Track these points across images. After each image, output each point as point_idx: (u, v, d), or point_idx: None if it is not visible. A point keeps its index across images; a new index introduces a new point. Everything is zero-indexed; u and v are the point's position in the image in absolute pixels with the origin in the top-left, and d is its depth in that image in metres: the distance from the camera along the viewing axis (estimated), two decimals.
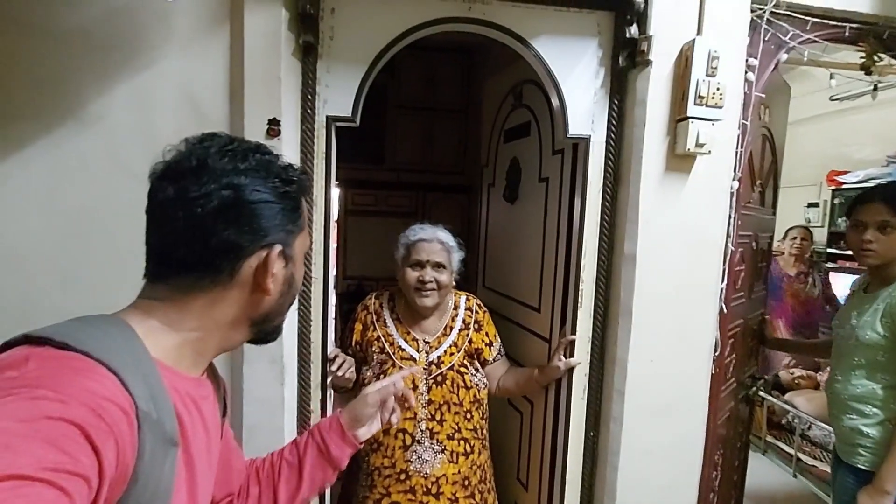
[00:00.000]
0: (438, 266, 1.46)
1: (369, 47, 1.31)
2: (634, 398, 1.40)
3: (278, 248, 0.58)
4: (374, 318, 1.53)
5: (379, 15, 1.30)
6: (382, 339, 1.49)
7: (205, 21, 1.27)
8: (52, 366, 0.43)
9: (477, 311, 1.60)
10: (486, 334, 1.57)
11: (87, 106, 1.27)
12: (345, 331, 1.57)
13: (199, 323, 0.57)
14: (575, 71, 1.36)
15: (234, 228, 0.56)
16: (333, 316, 1.46)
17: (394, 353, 1.47)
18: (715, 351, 1.48)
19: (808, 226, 3.53)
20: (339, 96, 1.32)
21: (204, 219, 0.54)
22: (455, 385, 1.45)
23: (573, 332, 1.46)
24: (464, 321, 1.55)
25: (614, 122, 1.38)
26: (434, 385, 1.44)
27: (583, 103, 1.37)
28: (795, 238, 3.28)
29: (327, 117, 1.31)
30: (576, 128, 1.38)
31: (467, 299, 1.61)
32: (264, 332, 0.63)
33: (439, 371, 1.46)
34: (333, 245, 1.42)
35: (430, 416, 1.42)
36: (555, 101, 1.38)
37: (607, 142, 1.39)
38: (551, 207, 1.62)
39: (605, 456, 1.45)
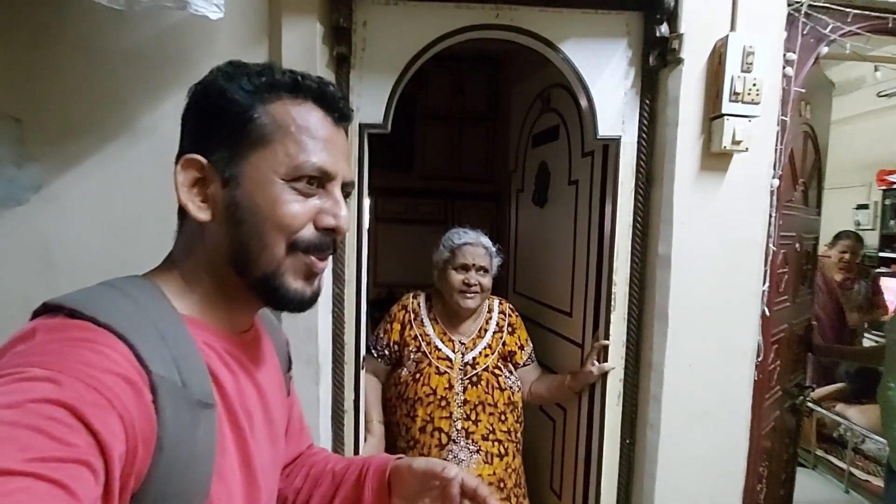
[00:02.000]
0: (482, 270, 1.51)
1: (400, 57, 1.35)
2: (672, 404, 1.36)
3: (188, 157, 0.50)
4: (413, 316, 1.56)
5: (408, 25, 1.34)
6: (420, 338, 1.52)
7: (246, 38, 1.34)
8: (55, 338, 0.41)
9: (510, 315, 1.62)
10: (519, 338, 1.59)
11: (139, 120, 1.35)
12: (378, 332, 1.60)
13: (197, 269, 0.53)
14: (604, 72, 1.35)
15: (181, 144, 0.53)
16: (365, 320, 1.49)
17: (430, 353, 1.50)
18: (758, 356, 1.42)
19: (857, 233, 3.35)
20: (371, 105, 1.35)
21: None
22: (490, 386, 1.47)
23: (606, 336, 1.43)
24: (497, 324, 1.58)
25: (646, 121, 1.37)
26: (469, 385, 1.47)
27: (613, 104, 1.37)
28: (844, 252, 3.10)
29: (360, 125, 1.35)
30: (606, 129, 1.37)
31: (500, 303, 1.65)
32: (257, 282, 0.52)
33: (474, 371, 1.48)
34: (366, 248, 1.45)
35: (465, 416, 1.44)
36: (583, 103, 1.38)
37: (639, 142, 1.38)
38: (581, 210, 1.61)
39: (642, 464, 1.41)
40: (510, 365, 1.55)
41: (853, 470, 2.50)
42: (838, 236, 3.19)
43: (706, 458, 1.39)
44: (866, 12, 1.35)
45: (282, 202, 0.50)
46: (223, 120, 0.50)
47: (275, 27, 1.31)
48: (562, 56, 1.35)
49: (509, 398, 1.49)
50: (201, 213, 0.50)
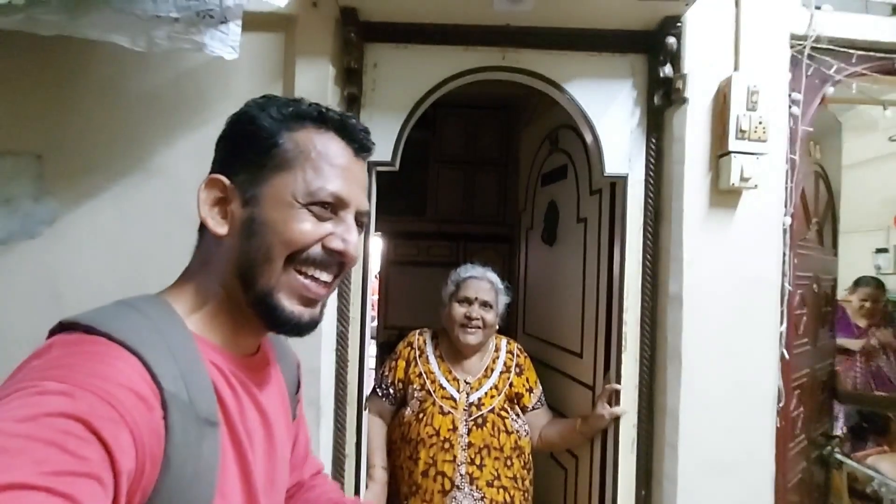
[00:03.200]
0: (485, 305, 1.48)
1: (408, 97, 1.38)
2: (689, 453, 1.28)
3: (214, 177, 0.54)
4: (418, 353, 1.53)
5: (417, 67, 1.38)
6: (424, 375, 1.48)
7: (260, 80, 1.39)
8: (70, 352, 0.42)
9: (518, 355, 1.57)
10: (527, 380, 1.53)
11: (153, 159, 1.38)
12: (383, 370, 1.56)
13: (210, 283, 0.55)
14: (609, 111, 1.37)
15: (211, 168, 0.57)
16: (373, 363, 1.46)
17: (434, 392, 1.45)
18: (779, 402, 1.35)
19: (878, 279, 3.24)
20: (381, 143, 1.36)
21: None
22: (496, 429, 1.41)
23: (618, 377, 1.38)
24: (505, 364, 1.53)
25: (652, 159, 1.37)
26: (475, 427, 1.40)
27: (619, 142, 1.37)
28: (865, 300, 3.00)
29: (369, 163, 1.36)
30: (613, 166, 1.37)
31: (508, 342, 1.60)
32: (256, 299, 0.53)
33: (479, 413, 1.42)
34: (373, 286, 1.44)
35: (469, 460, 1.37)
36: (589, 140, 1.39)
37: (646, 180, 1.37)
38: (591, 248, 1.59)
39: None
40: (517, 408, 1.49)
41: None
42: (858, 282, 3.10)
43: None
44: (870, 53, 1.37)
45: (295, 220, 0.52)
46: (251, 144, 0.54)
47: (288, 69, 1.36)
48: (567, 96, 1.38)
49: (516, 442, 1.41)
50: (219, 227, 0.53)
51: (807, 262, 1.51)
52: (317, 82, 1.34)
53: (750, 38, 1.28)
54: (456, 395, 1.45)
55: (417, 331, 1.60)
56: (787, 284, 1.36)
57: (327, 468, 1.32)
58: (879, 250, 3.83)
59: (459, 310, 1.48)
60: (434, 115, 3.00)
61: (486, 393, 1.46)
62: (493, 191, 3.12)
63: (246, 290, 0.53)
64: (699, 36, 1.30)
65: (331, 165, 0.54)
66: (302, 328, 0.55)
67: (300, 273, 0.54)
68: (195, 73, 1.39)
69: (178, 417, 0.44)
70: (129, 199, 1.38)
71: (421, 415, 1.43)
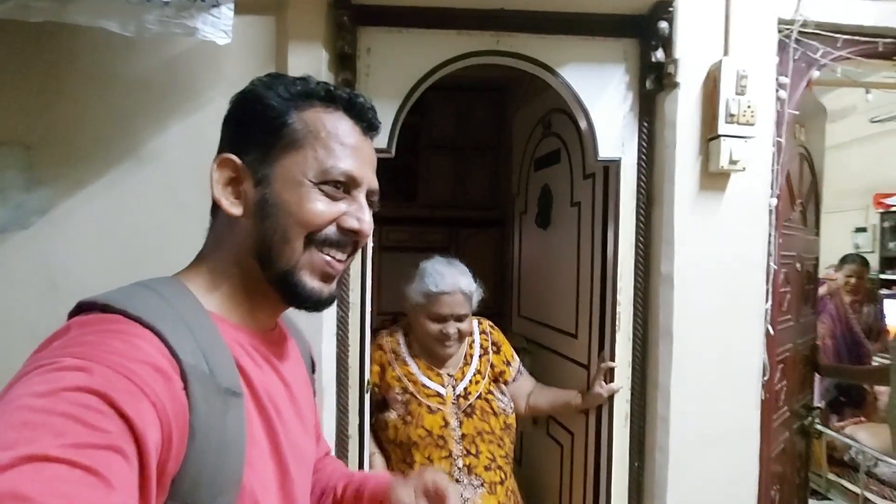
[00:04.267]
0: (461, 318, 1.41)
1: (403, 82, 1.38)
2: (680, 425, 1.34)
3: (225, 157, 0.54)
4: (393, 357, 1.46)
5: (411, 52, 1.38)
6: (404, 378, 1.43)
7: (252, 65, 1.37)
8: (88, 331, 0.43)
9: (491, 333, 1.57)
10: (504, 354, 1.54)
11: (145, 145, 1.37)
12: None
13: (226, 264, 0.55)
14: (603, 96, 1.39)
15: (220, 146, 0.57)
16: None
17: (418, 392, 1.41)
18: (764, 375, 1.41)
19: (863, 257, 3.35)
20: None
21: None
22: (484, 413, 1.42)
23: (612, 356, 1.42)
24: (481, 346, 1.53)
25: (644, 143, 1.39)
26: (465, 418, 1.41)
27: (612, 127, 1.40)
28: (850, 277, 3.11)
29: None
30: (606, 151, 1.39)
31: (479, 322, 1.57)
32: (277, 277, 0.54)
33: (468, 403, 1.42)
34: (370, 272, 1.45)
35: (465, 452, 1.38)
36: (583, 125, 1.41)
37: (638, 163, 1.40)
38: (584, 231, 1.62)
39: (652, 489, 1.38)
40: (501, 385, 1.50)
41: (868, 495, 2.43)
42: (844, 260, 3.20)
43: (717, 482, 1.36)
44: (855, 37, 1.40)
45: (308, 200, 0.53)
46: (259, 124, 0.54)
47: (281, 54, 1.35)
48: (561, 80, 1.39)
49: (504, 422, 1.43)
50: (234, 208, 0.54)
51: (791, 241, 1.56)
52: (310, 67, 1.33)
53: (739, 23, 1.31)
54: (442, 391, 1.43)
55: (385, 331, 1.52)
56: (772, 264, 1.41)
57: (331, 450, 1.35)
58: (858, 229, 3.96)
59: (434, 327, 1.40)
60: (423, 99, 2.97)
61: (470, 381, 1.45)
62: (485, 175, 3.12)
63: (265, 268, 0.54)
64: (690, 21, 1.32)
65: (341, 145, 0.54)
66: (322, 303, 0.57)
67: (320, 251, 0.55)
68: (186, 58, 1.37)
69: (199, 388, 0.44)
70: (123, 186, 1.37)
71: (409, 417, 1.39)
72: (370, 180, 0.57)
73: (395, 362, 1.46)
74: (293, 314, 0.61)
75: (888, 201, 3.57)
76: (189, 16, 1.15)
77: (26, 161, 1.37)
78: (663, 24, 1.29)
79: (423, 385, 1.43)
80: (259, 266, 0.54)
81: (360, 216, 0.55)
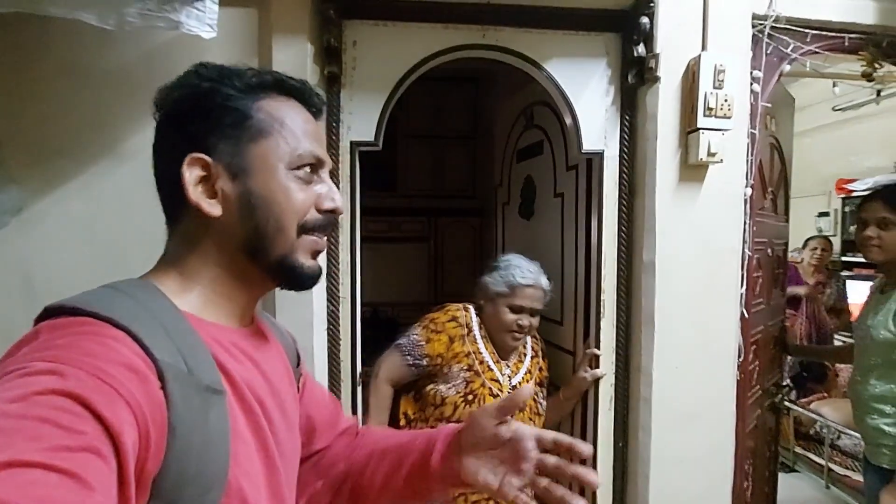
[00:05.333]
0: (535, 313, 1.45)
1: (389, 75, 1.38)
2: (662, 406, 1.40)
3: (195, 155, 0.52)
4: (466, 331, 1.44)
5: (398, 45, 1.38)
6: (473, 355, 1.41)
7: (235, 57, 1.33)
8: (57, 334, 0.42)
9: (539, 339, 1.60)
10: (546, 362, 1.58)
11: (124, 142, 1.33)
12: (415, 337, 1.43)
13: (199, 265, 0.54)
14: (586, 90, 1.42)
15: (166, 147, 0.55)
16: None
17: (483, 372, 1.41)
18: (738, 357, 1.49)
19: (826, 236, 3.54)
20: (362, 122, 1.38)
21: (157, 140, 0.56)
22: (532, 412, 1.45)
23: (597, 342, 1.48)
24: (533, 348, 1.55)
25: (626, 136, 1.43)
26: (517, 410, 1.40)
27: (595, 120, 1.43)
28: (815, 249, 3.28)
29: (351, 142, 1.37)
30: (589, 144, 1.43)
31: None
32: (273, 264, 0.55)
33: None
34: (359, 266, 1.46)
35: None
36: (568, 120, 1.44)
37: (621, 156, 1.44)
38: (568, 221, 1.66)
39: (636, 466, 1.44)
40: (543, 390, 1.52)
41: (832, 466, 2.60)
42: (808, 240, 3.36)
43: (696, 458, 1.43)
44: (823, 32, 1.46)
45: (291, 190, 0.55)
46: (222, 118, 0.53)
47: (264, 47, 1.33)
48: (545, 74, 1.41)
49: (542, 423, 1.46)
50: (213, 208, 0.53)
51: (763, 228, 1.64)
52: (295, 60, 1.32)
53: (716, 19, 1.35)
54: (501, 378, 1.43)
55: (461, 306, 1.49)
56: (746, 250, 1.48)
57: None
58: (822, 214, 4.13)
59: (510, 317, 1.42)
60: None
61: (522, 377, 1.47)
62: (463, 164, 3.13)
63: (258, 259, 0.55)
64: (670, 16, 1.35)
65: (303, 130, 0.56)
66: (316, 279, 0.59)
67: (308, 234, 0.57)
68: (166, 51, 1.34)
69: (177, 386, 0.43)
70: (101, 184, 1.33)
71: (470, 396, 1.38)
72: (329, 160, 0.60)
73: (467, 337, 1.43)
74: (282, 307, 0.60)
75: (850, 187, 3.73)
76: (172, 9, 1.12)
77: None
78: (644, 20, 1.33)
79: (489, 367, 1.42)
80: (248, 258, 0.55)
81: (333, 196, 0.58)
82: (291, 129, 0.55)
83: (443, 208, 3.12)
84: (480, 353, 1.43)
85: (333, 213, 0.58)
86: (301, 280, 0.57)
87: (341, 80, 1.36)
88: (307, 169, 0.56)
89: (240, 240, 0.54)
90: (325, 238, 0.59)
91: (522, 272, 1.44)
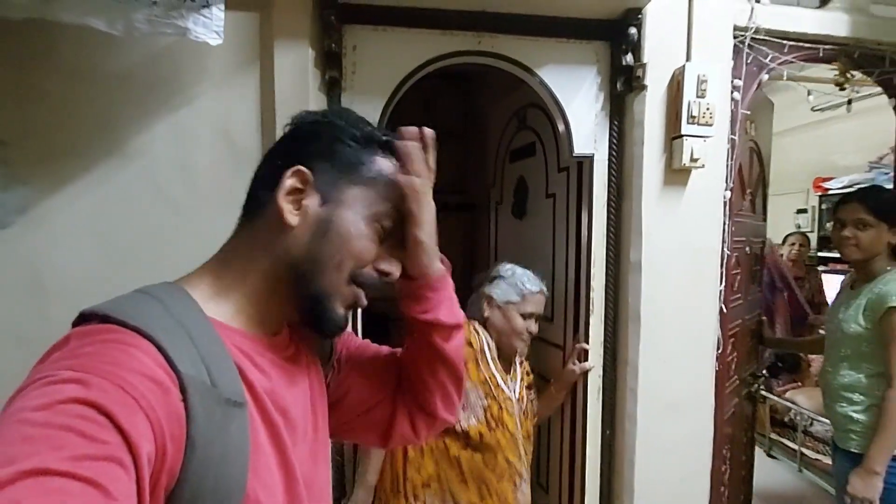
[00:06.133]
0: (538, 317, 1.49)
1: (389, 80, 1.43)
2: (647, 396, 1.49)
3: (301, 168, 0.55)
4: (480, 356, 1.39)
5: (396, 51, 1.42)
6: (489, 381, 1.38)
7: (237, 62, 1.38)
8: (86, 342, 0.42)
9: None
10: (528, 363, 1.61)
11: (130, 142, 1.36)
12: None
13: (244, 272, 0.56)
14: (577, 96, 1.49)
15: (278, 153, 0.58)
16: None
17: (497, 396, 1.38)
18: (718, 349, 1.58)
19: (804, 232, 3.68)
20: None
21: (275, 145, 0.60)
22: (531, 415, 1.52)
23: (586, 337, 1.56)
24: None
25: (615, 141, 1.50)
26: (524, 418, 1.46)
27: (585, 125, 1.50)
28: (794, 244, 3.41)
29: None
30: (580, 147, 1.50)
31: None
32: (310, 297, 0.56)
33: (521, 405, 1.47)
34: None
35: (526, 451, 1.45)
36: (560, 125, 1.50)
37: (609, 159, 1.51)
38: (559, 221, 1.73)
39: (622, 453, 1.53)
40: (532, 391, 1.57)
41: (804, 451, 2.74)
42: (788, 236, 3.50)
43: (678, 445, 1.53)
44: (800, 43, 1.55)
45: (364, 237, 0.57)
46: (340, 153, 0.57)
47: (266, 52, 1.36)
48: (539, 80, 1.47)
49: (535, 423, 1.53)
50: (292, 217, 0.55)
51: (741, 228, 1.73)
52: (297, 65, 1.35)
53: (700, 31, 1.42)
54: (508, 392, 1.42)
55: (471, 327, 1.42)
56: (726, 250, 1.57)
57: None
58: (800, 211, 4.27)
59: (522, 323, 1.43)
60: None
61: (519, 384, 1.50)
62: (453, 161, 3.17)
63: (299, 285, 0.55)
64: (657, 27, 1.42)
65: (394, 192, 0.60)
66: (339, 331, 0.59)
67: (356, 285, 0.58)
68: (168, 54, 1.37)
69: (199, 399, 0.44)
70: (108, 183, 1.36)
71: (493, 422, 1.35)
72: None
73: (481, 362, 1.39)
74: None
75: (826, 185, 3.87)
76: (179, 15, 1.15)
77: (1, 158, 1.34)
78: (633, 30, 1.40)
79: (501, 388, 1.40)
80: (293, 280, 0.55)
81: (392, 262, 0.61)
82: (387, 187, 0.59)
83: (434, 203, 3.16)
84: (494, 377, 1.40)
85: (387, 276, 0.60)
86: (324, 323, 0.57)
87: (342, 84, 1.41)
88: (384, 228, 0.59)
89: (298, 258, 0.55)
90: (365, 298, 0.59)
91: (530, 280, 1.47)
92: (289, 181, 0.54)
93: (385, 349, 0.77)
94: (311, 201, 0.56)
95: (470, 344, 1.38)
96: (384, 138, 0.61)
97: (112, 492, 0.35)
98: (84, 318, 0.47)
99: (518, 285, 1.45)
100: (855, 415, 1.52)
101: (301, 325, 0.61)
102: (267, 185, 0.56)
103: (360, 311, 1.47)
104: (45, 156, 1.33)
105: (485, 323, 1.46)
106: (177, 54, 1.36)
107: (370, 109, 1.42)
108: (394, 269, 0.61)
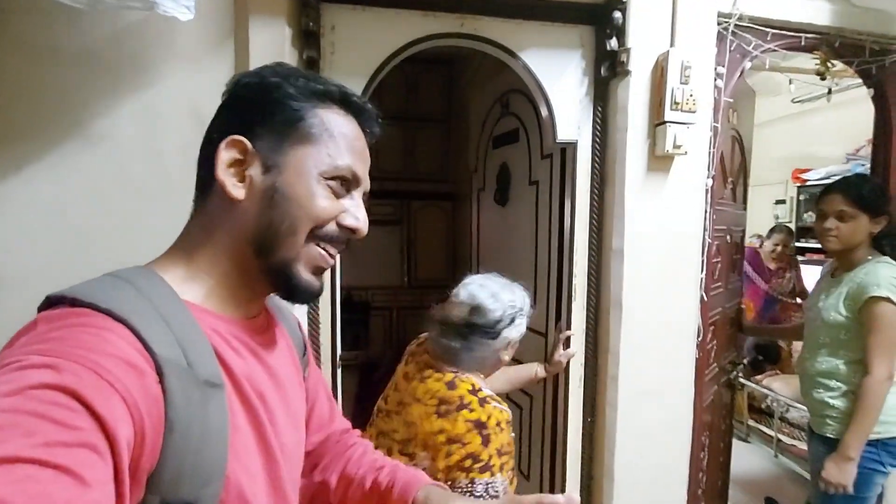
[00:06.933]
0: None
1: (368, 62, 1.39)
2: (627, 384, 1.49)
3: (235, 138, 0.53)
4: (506, 426, 1.09)
5: (376, 31, 1.38)
6: (510, 446, 1.09)
7: (209, 39, 1.32)
8: (55, 326, 0.41)
9: None
10: None
11: (93, 124, 1.30)
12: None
13: (210, 253, 0.54)
14: (561, 81, 1.46)
15: (215, 127, 0.55)
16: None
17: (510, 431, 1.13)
18: (698, 337, 1.59)
19: (789, 227, 3.71)
20: None
21: (213, 118, 0.56)
22: None
23: (568, 325, 1.55)
24: None
25: (598, 127, 1.49)
26: None
27: (569, 111, 1.48)
28: (777, 245, 3.44)
29: None
30: (564, 133, 1.48)
31: None
32: (273, 267, 0.54)
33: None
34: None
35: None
36: (543, 110, 1.48)
37: (593, 146, 1.50)
38: (542, 208, 1.72)
39: (602, 439, 1.54)
40: None
41: (780, 437, 2.80)
42: (773, 230, 3.53)
43: (658, 431, 1.54)
44: (782, 31, 1.54)
45: (317, 196, 0.54)
46: (276, 113, 0.54)
47: (241, 29, 1.31)
48: (522, 64, 1.45)
49: None
50: (237, 190, 0.53)
51: (722, 216, 1.73)
52: (273, 44, 1.30)
53: (684, 16, 1.41)
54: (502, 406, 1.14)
55: (496, 404, 1.08)
56: (707, 238, 1.57)
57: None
58: (779, 201, 4.34)
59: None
60: None
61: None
62: (436, 147, 3.14)
63: (261, 257, 0.54)
64: (641, 12, 1.40)
65: (350, 146, 0.57)
66: (314, 296, 0.58)
67: (317, 245, 0.56)
68: (135, 31, 1.30)
69: (176, 381, 0.43)
70: (69, 167, 1.29)
71: (511, 471, 1.12)
72: (367, 182, 0.60)
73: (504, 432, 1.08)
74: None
75: (805, 176, 3.93)
76: None
77: None
78: (617, 14, 1.37)
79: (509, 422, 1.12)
80: (254, 254, 0.54)
81: (359, 214, 0.58)
82: (338, 141, 0.55)
83: (415, 191, 3.13)
84: (509, 420, 1.11)
85: (354, 232, 0.58)
86: (296, 292, 0.56)
87: (320, 65, 1.36)
88: (341, 182, 0.56)
89: (252, 232, 0.54)
90: (333, 256, 0.58)
91: (527, 304, 1.20)
92: (224, 154, 0.52)
93: (338, 422, 0.79)
94: (254, 170, 0.53)
95: (509, 423, 1.09)
96: (326, 88, 0.57)
97: (86, 478, 0.34)
98: (51, 303, 0.45)
99: (526, 308, 1.19)
100: (831, 401, 1.55)
101: (280, 295, 0.59)
102: (209, 161, 0.54)
103: (339, 299, 1.45)
104: (0, 137, 1.26)
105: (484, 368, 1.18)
106: (144, 30, 1.30)
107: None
108: (359, 225, 0.58)
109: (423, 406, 1.07)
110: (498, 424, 1.06)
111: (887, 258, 1.52)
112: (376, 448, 1.08)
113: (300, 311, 1.37)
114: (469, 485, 1.02)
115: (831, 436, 1.53)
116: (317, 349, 1.41)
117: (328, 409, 0.77)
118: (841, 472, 1.45)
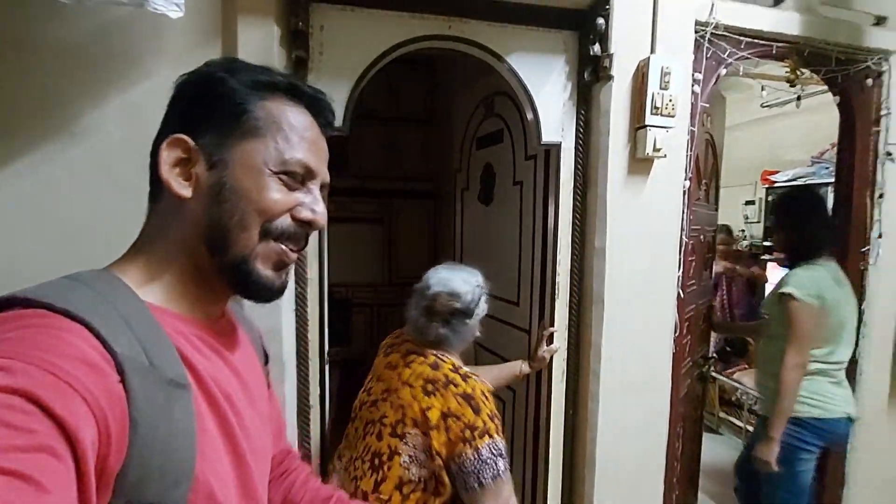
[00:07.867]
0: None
1: (357, 62, 1.40)
2: (608, 378, 1.55)
3: (177, 137, 0.52)
4: (490, 394, 1.20)
5: (365, 32, 1.39)
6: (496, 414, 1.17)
7: (197, 36, 1.32)
8: (7, 328, 0.40)
9: None
10: None
11: (79, 120, 1.28)
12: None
13: (167, 253, 0.53)
14: (545, 84, 1.50)
15: (161, 127, 0.55)
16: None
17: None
18: (675, 332, 1.66)
19: (727, 225, 3.93)
20: None
21: (163, 117, 0.56)
22: None
23: (552, 321, 1.60)
24: None
25: (581, 130, 1.54)
26: None
27: (553, 113, 1.52)
28: (720, 244, 3.60)
29: None
30: (548, 135, 1.52)
31: None
32: (229, 266, 0.53)
33: None
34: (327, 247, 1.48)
35: None
36: (528, 113, 1.52)
37: (576, 148, 1.54)
38: (526, 208, 1.76)
39: (584, 432, 1.59)
40: None
41: (749, 428, 2.93)
42: (715, 229, 3.72)
43: (637, 423, 1.60)
44: (755, 40, 1.62)
45: (267, 189, 0.53)
46: (219, 108, 0.53)
47: (229, 28, 1.31)
48: (507, 67, 1.48)
49: None
50: (183, 189, 0.52)
51: (697, 216, 1.81)
52: (261, 43, 1.31)
53: (664, 25, 1.46)
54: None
55: (470, 379, 1.17)
56: (684, 237, 1.63)
57: (293, 420, 1.41)
58: (748, 202, 4.50)
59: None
60: None
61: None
62: (418, 147, 3.16)
63: (216, 255, 0.53)
64: (623, 19, 1.45)
65: (301, 137, 0.55)
66: (274, 294, 0.56)
67: (275, 241, 0.55)
68: (121, 27, 1.29)
69: (137, 380, 0.42)
70: (53, 164, 1.27)
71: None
72: (324, 174, 0.58)
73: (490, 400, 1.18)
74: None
75: (773, 178, 4.09)
76: None
77: None
78: (600, 21, 1.42)
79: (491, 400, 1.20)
80: (208, 253, 0.53)
81: (315, 207, 0.56)
82: (287, 134, 0.54)
83: (397, 190, 3.14)
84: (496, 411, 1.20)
85: (310, 225, 0.56)
86: (255, 289, 0.55)
87: (308, 65, 1.37)
88: (293, 175, 0.54)
89: (203, 230, 0.52)
90: (295, 251, 0.57)
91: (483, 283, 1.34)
92: (166, 153, 0.52)
93: (282, 444, 0.78)
94: (200, 168, 0.52)
95: (486, 396, 1.16)
96: (272, 79, 0.55)
97: (44, 484, 0.33)
98: (2, 306, 0.43)
99: (485, 291, 1.34)
100: (767, 383, 1.76)
101: (240, 295, 0.58)
102: (153, 155, 0.54)
103: (326, 296, 1.46)
104: None
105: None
106: (131, 27, 1.29)
107: (338, 90, 1.40)
108: (315, 217, 0.56)
109: (411, 388, 1.16)
110: (483, 394, 1.16)
111: (819, 261, 1.73)
112: (364, 438, 1.14)
113: (287, 309, 1.38)
114: (475, 454, 1.09)
115: (763, 413, 1.78)
116: (304, 346, 1.42)
117: (278, 427, 0.76)
118: (764, 450, 1.68)
